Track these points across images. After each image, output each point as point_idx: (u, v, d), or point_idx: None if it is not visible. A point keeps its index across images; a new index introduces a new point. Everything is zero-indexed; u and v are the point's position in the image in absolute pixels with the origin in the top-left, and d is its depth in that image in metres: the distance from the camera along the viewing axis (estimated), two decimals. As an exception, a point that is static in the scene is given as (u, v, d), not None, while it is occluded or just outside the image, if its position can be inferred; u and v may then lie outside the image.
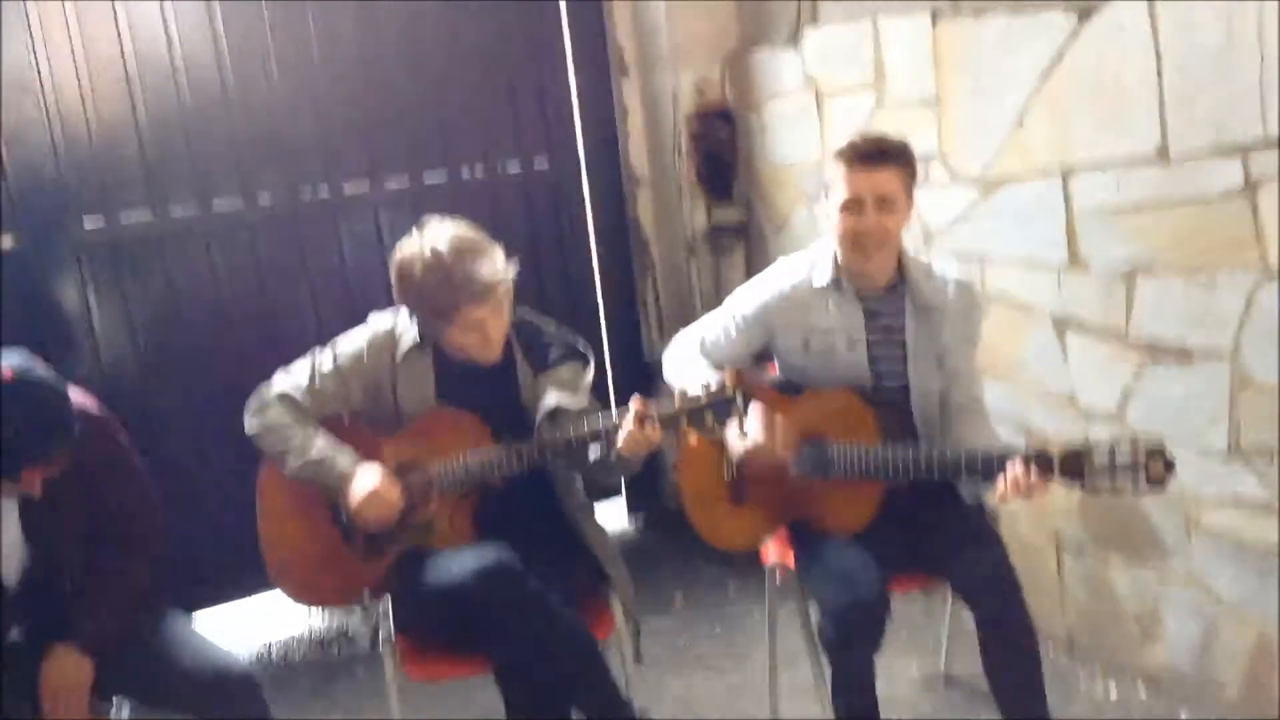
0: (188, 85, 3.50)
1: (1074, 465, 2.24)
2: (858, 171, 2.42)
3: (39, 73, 3.32)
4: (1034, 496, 2.27)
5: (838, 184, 2.45)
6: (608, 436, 2.36)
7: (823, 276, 2.56)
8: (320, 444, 2.44)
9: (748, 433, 2.47)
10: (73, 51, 3.35)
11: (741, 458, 2.50)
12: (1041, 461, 2.25)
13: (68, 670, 2.17)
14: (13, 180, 3.33)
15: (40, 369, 2.06)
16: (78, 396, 2.23)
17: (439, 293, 2.37)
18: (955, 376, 2.54)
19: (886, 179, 2.42)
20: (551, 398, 2.50)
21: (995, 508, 2.56)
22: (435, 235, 2.40)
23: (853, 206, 2.43)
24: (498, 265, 2.40)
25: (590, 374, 2.59)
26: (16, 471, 2.03)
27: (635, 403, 2.32)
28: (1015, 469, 2.26)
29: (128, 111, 3.45)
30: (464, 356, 2.49)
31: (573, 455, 2.45)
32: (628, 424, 2.31)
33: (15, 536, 2.21)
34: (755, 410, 2.49)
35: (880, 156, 2.42)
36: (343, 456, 2.43)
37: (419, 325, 2.50)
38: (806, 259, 2.62)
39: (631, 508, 4.36)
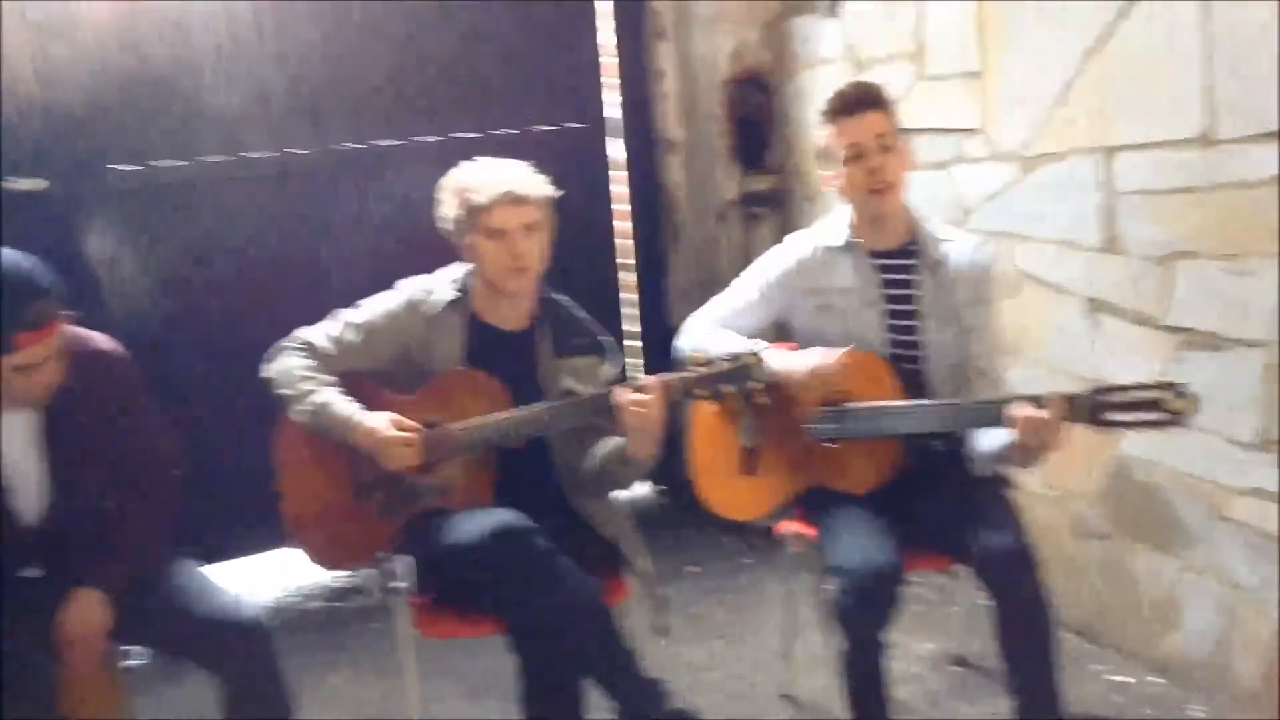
0: (225, 31, 3.49)
1: (1089, 402, 2.25)
2: (851, 120, 2.47)
3: (72, 15, 3.31)
4: (1049, 438, 2.26)
5: (834, 141, 2.50)
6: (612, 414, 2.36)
7: (836, 238, 2.59)
8: (330, 392, 2.44)
9: (795, 361, 2.48)
10: (108, -6, 3.35)
11: (796, 383, 2.47)
12: (1054, 401, 2.26)
13: (88, 614, 2.17)
14: (45, 123, 3.32)
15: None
16: (98, 339, 2.25)
17: (474, 189, 2.42)
18: (971, 335, 2.53)
19: (878, 121, 2.47)
20: (567, 382, 2.49)
21: (1013, 485, 2.53)
22: (486, 159, 2.51)
23: (855, 152, 2.47)
24: (538, 180, 2.47)
25: (609, 370, 2.58)
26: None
27: (648, 377, 2.36)
28: (1024, 408, 2.26)
29: (162, 56, 3.44)
30: (494, 318, 2.51)
31: (583, 428, 2.45)
32: (626, 398, 2.31)
33: (32, 472, 2.22)
34: (793, 354, 2.50)
35: (868, 102, 2.48)
36: (350, 404, 2.42)
37: (461, 281, 2.52)
38: (823, 224, 2.66)
39: (655, 479, 4.36)
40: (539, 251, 2.47)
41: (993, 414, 2.32)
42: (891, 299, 2.56)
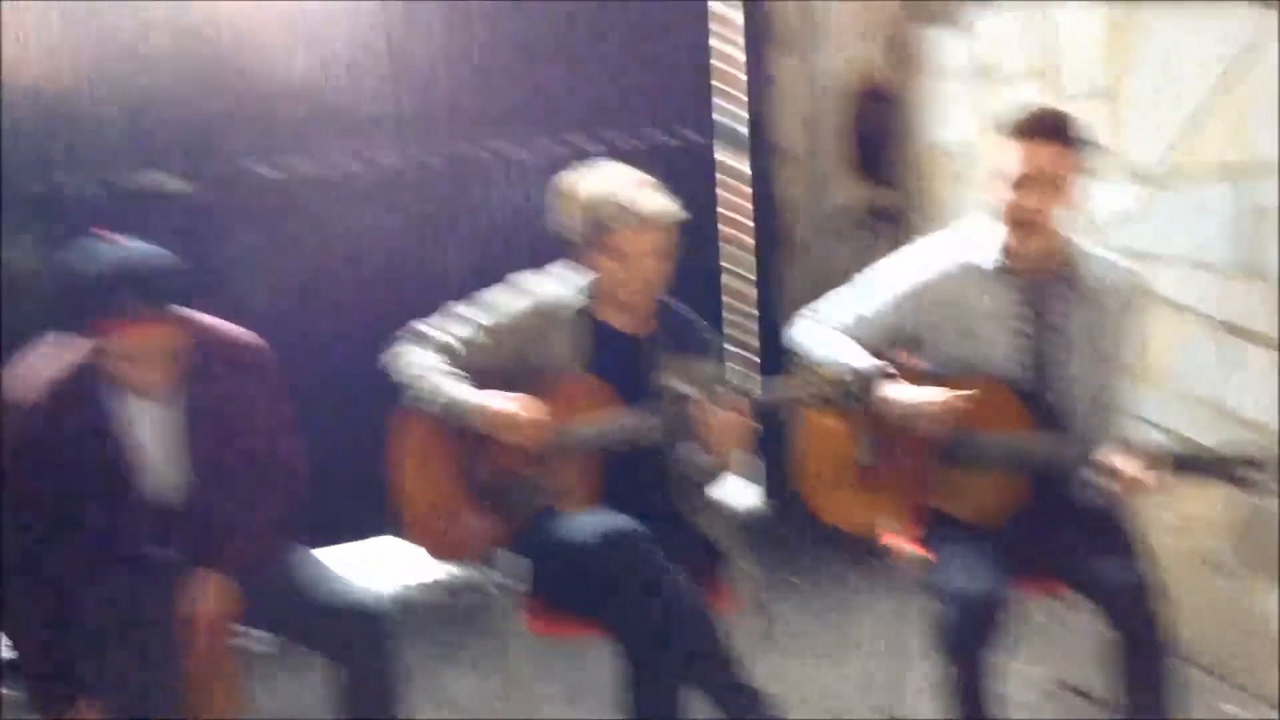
0: (355, 37, 3.58)
1: (1168, 462, 2.20)
2: (1030, 145, 2.33)
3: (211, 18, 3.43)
4: (1138, 491, 2.23)
5: (1006, 160, 2.36)
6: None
7: (987, 258, 2.48)
8: (464, 387, 2.47)
9: (913, 397, 2.42)
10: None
11: (911, 419, 2.44)
12: (1158, 456, 2.22)
13: (214, 597, 2.24)
14: (187, 126, 3.44)
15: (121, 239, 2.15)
16: (239, 332, 2.34)
17: (602, 207, 2.41)
18: (1113, 373, 2.46)
19: (1058, 155, 2.32)
20: (680, 385, 2.50)
21: (1136, 514, 2.46)
22: (607, 165, 2.49)
23: (1022, 182, 2.34)
24: (668, 202, 2.44)
25: (717, 369, 2.61)
26: (83, 323, 2.11)
27: (732, 397, 2.36)
28: (1111, 459, 2.22)
29: (296, 62, 3.54)
30: (617, 323, 2.54)
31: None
32: (720, 417, 2.32)
33: (168, 455, 2.29)
34: (916, 390, 2.45)
35: (1054, 132, 2.33)
36: (480, 393, 2.45)
37: (588, 289, 2.54)
38: (963, 237, 2.54)
39: (769, 491, 4.34)
40: (662, 274, 2.49)
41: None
42: (1035, 327, 2.47)
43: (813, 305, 2.70)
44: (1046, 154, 2.32)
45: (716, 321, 4.17)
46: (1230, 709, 2.88)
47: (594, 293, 2.55)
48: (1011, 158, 2.35)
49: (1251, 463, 2.15)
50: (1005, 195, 2.37)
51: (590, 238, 2.46)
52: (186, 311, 2.21)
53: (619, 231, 2.41)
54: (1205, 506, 2.93)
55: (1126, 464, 2.22)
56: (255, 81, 3.52)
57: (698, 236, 4.13)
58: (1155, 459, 2.23)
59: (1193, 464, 2.26)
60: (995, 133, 2.40)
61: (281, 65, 3.54)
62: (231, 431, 2.32)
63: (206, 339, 2.27)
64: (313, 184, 3.65)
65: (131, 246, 2.16)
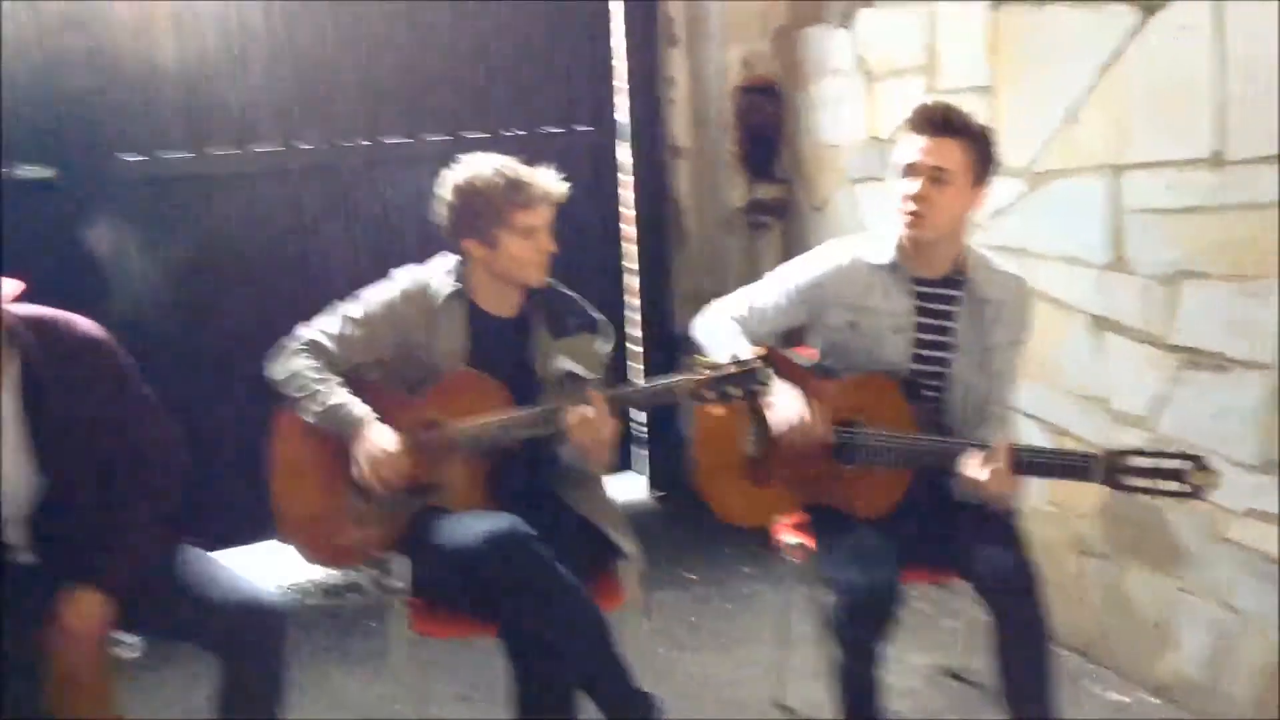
0: (236, 23, 3.49)
1: (1107, 464, 2.23)
2: (915, 139, 2.38)
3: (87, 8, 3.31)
4: (999, 489, 2.27)
5: (897, 154, 2.41)
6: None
7: (881, 256, 2.51)
8: (342, 392, 2.44)
9: (784, 410, 2.44)
10: (122, -14, 3.35)
11: (778, 434, 2.47)
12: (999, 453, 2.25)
13: (86, 613, 2.11)
14: (52, 112, 3.31)
15: None
16: (78, 322, 2.21)
17: (498, 196, 2.43)
18: (998, 379, 2.50)
19: (946, 150, 2.36)
20: (565, 363, 2.50)
21: (1017, 506, 2.52)
22: (487, 156, 2.50)
23: (908, 173, 2.39)
24: (552, 177, 2.49)
25: (607, 349, 2.59)
26: None
27: (593, 393, 2.35)
28: (970, 462, 2.28)
29: (172, 48, 3.44)
30: (492, 308, 2.53)
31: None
32: (581, 411, 2.32)
33: (14, 462, 2.16)
34: (791, 390, 2.47)
35: (939, 127, 2.37)
36: (359, 406, 2.42)
37: (456, 272, 2.53)
38: (867, 238, 2.58)
39: (654, 483, 4.35)
40: (549, 251, 2.52)
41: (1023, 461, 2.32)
42: (924, 328, 2.50)
43: (720, 300, 2.70)
44: (928, 146, 2.36)
45: (620, 314, 4.17)
46: (1108, 694, 2.97)
47: (466, 277, 2.53)
48: (900, 150, 2.41)
49: (1195, 459, 2.19)
50: (896, 188, 2.42)
51: (476, 220, 2.45)
52: (13, 305, 2.10)
53: (531, 208, 2.43)
54: (1080, 493, 3.02)
55: (981, 468, 2.27)
56: (129, 68, 3.40)
57: (602, 234, 4.14)
58: (1006, 460, 2.27)
59: (1038, 464, 2.32)
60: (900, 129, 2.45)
61: (158, 51, 3.42)
62: (79, 430, 2.19)
63: (41, 331, 2.15)
64: (189, 176, 3.54)
65: None
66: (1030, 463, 2.30)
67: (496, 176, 2.45)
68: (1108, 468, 2.23)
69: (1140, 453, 2.23)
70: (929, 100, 2.47)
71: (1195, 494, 2.18)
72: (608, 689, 2.35)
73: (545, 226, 2.48)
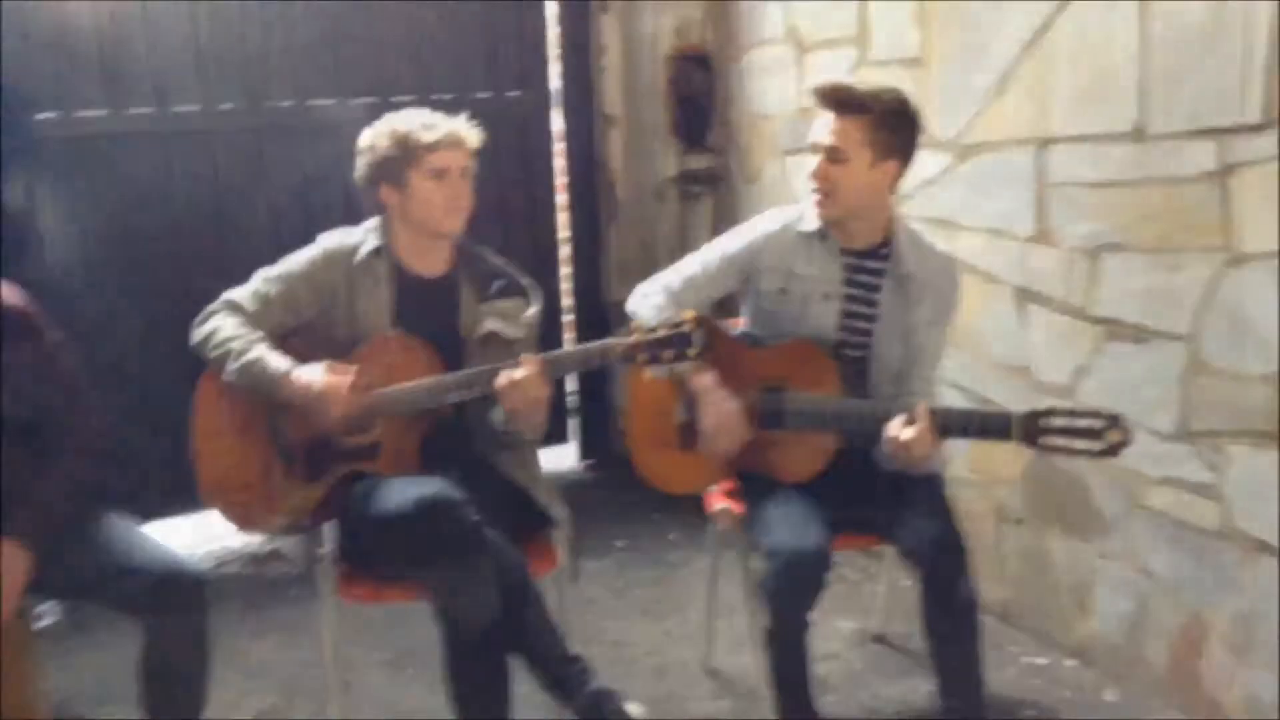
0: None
1: (1027, 423, 2.25)
2: (822, 115, 2.41)
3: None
4: (918, 452, 2.27)
5: (812, 127, 2.44)
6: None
7: (810, 224, 2.52)
8: (261, 348, 2.39)
9: (707, 380, 2.45)
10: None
11: (701, 400, 2.47)
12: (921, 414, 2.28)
13: (6, 564, 2.12)
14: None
15: None
16: (4, 291, 2.19)
17: (408, 138, 2.42)
18: (920, 354, 2.52)
19: (843, 129, 2.38)
20: (493, 325, 2.49)
21: (942, 472, 2.56)
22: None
23: (813, 151, 2.43)
24: (464, 123, 2.49)
25: (534, 312, 2.57)
26: None
27: (525, 357, 2.32)
28: (894, 426, 2.28)
29: (88, 8, 3.34)
30: (417, 266, 2.50)
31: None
32: (511, 373, 2.30)
33: None
34: (718, 356, 2.47)
35: (832, 103, 2.39)
36: (280, 359, 2.38)
37: (380, 230, 2.51)
38: (801, 206, 2.58)
39: (583, 452, 4.35)
40: (470, 195, 2.49)
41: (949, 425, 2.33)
42: (852, 298, 2.51)
43: (653, 277, 2.69)
44: (826, 124, 2.39)
45: (553, 284, 4.15)
46: (1026, 658, 3.04)
47: (388, 233, 2.51)
48: (812, 127, 2.43)
49: (1115, 419, 2.22)
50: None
51: (405, 160, 2.43)
52: None
53: (437, 148, 2.41)
54: (1003, 460, 3.07)
55: (903, 429, 2.29)
56: (44, 27, 3.29)
57: (533, 201, 4.11)
58: (927, 421, 2.29)
59: (958, 424, 2.33)
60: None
61: (74, 9, 3.32)
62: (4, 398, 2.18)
63: None
64: (106, 135, 3.44)
65: None
66: (950, 424, 2.33)
67: (406, 122, 2.45)
68: (1026, 427, 2.26)
69: (1057, 412, 2.25)
70: (840, 76, 2.51)
71: (1111, 452, 2.22)
72: (539, 653, 2.35)
73: (458, 172, 2.45)
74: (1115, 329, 2.71)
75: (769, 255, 2.55)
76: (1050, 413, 2.26)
